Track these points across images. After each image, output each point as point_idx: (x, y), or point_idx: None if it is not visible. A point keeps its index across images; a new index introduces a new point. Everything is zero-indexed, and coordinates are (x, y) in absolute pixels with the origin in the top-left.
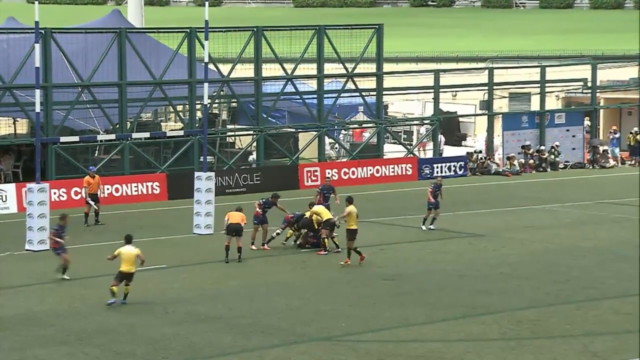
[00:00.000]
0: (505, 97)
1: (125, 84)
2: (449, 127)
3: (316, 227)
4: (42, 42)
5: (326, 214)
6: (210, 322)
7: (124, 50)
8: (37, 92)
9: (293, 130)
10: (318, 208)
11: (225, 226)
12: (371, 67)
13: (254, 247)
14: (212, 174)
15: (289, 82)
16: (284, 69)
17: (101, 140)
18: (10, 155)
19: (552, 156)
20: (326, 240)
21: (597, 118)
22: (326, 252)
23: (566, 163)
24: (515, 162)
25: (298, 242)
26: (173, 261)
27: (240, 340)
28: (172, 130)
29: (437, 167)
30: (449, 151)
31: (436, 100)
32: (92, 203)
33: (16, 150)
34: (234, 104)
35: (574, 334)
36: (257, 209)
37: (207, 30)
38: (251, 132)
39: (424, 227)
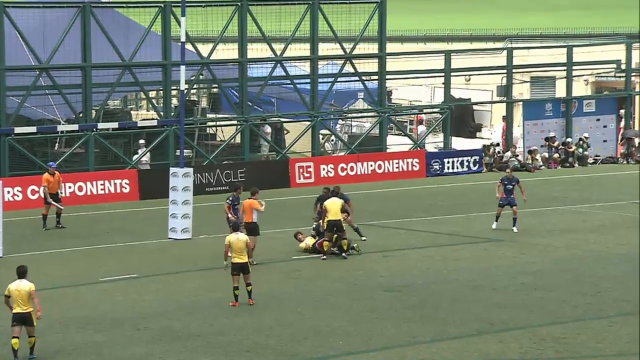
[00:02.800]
0: (527, 82)
1: (90, 66)
2: (461, 116)
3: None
4: None
5: (332, 212)
6: (188, 339)
7: (88, 28)
8: None
9: (283, 120)
10: (326, 203)
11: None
12: (372, 48)
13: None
14: (190, 170)
15: (278, 65)
16: (272, 49)
17: (62, 132)
18: None
19: (580, 149)
20: (326, 243)
21: (631, 105)
22: (324, 258)
23: (596, 157)
24: (538, 157)
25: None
26: (145, 270)
27: None
28: (143, 119)
29: (448, 163)
30: (461, 144)
31: (447, 85)
32: (53, 203)
33: None
34: (215, 90)
35: (605, 354)
36: (228, 213)
37: (184, 4)
38: (235, 122)
39: (494, 226)
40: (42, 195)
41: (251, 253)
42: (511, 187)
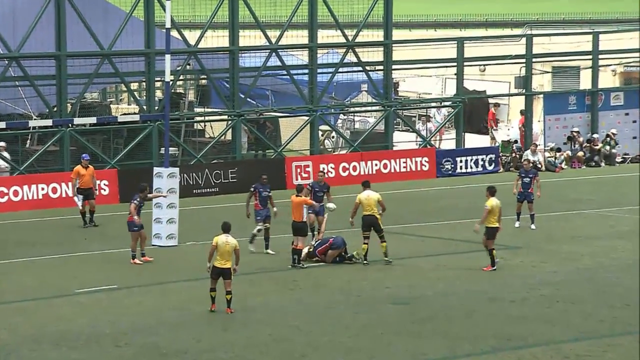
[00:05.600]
0: (548, 73)
1: (65, 55)
2: (475, 110)
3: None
4: None
5: (368, 205)
6: (173, 357)
7: (63, 13)
8: None
9: (278, 114)
10: (361, 196)
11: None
12: (377, 35)
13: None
14: (176, 170)
15: (273, 54)
16: (266, 37)
17: (34, 127)
18: None
19: (607, 147)
20: (364, 246)
21: None
22: (366, 263)
23: (625, 156)
24: (561, 155)
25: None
26: (126, 280)
27: None
28: (124, 114)
29: (461, 162)
30: (476, 141)
31: (459, 76)
32: (75, 200)
33: None
34: (203, 82)
35: None
36: (135, 215)
37: None
38: (225, 117)
39: (516, 225)
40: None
41: (305, 256)
42: (529, 179)
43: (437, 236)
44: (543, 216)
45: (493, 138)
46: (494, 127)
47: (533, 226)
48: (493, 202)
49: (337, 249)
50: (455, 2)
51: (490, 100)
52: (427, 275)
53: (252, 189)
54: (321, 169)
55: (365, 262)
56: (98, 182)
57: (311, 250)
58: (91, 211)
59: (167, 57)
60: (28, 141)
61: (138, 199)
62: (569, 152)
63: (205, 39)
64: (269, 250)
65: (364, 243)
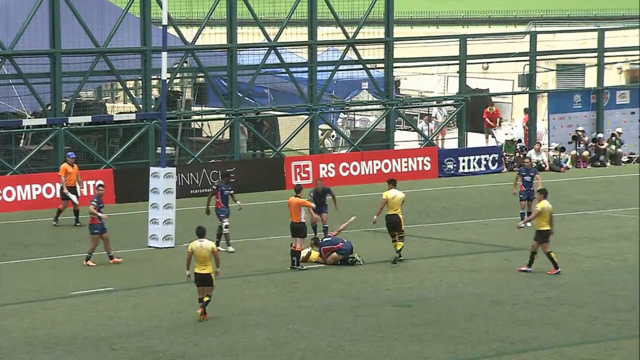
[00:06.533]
0: (552, 70)
1: (60, 52)
2: (478, 109)
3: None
4: None
5: (394, 204)
6: None
7: (58, 10)
8: None
9: (277, 113)
10: (388, 193)
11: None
12: (378, 32)
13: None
14: (173, 169)
15: (272, 51)
16: (265, 34)
17: (28, 126)
18: None
19: (613, 146)
20: (400, 244)
21: None
22: (401, 257)
23: (631, 156)
24: (566, 154)
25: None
26: (122, 282)
27: None
28: (120, 113)
29: (464, 161)
30: (478, 141)
31: (462, 74)
32: (70, 196)
33: None
34: (200, 80)
35: None
36: (97, 213)
37: None
38: (223, 116)
39: (521, 224)
40: (59, 188)
41: (306, 258)
42: (530, 178)
43: (438, 237)
44: None
45: (493, 137)
46: (494, 127)
47: (529, 224)
48: (544, 204)
49: (342, 255)
50: None
51: (494, 100)
52: (428, 278)
53: (214, 187)
54: (319, 177)
55: (399, 258)
56: (92, 182)
57: (321, 241)
58: (75, 211)
59: (164, 54)
60: (22, 140)
61: (96, 200)
62: (575, 152)
63: (202, 36)
64: (229, 248)
65: (393, 241)
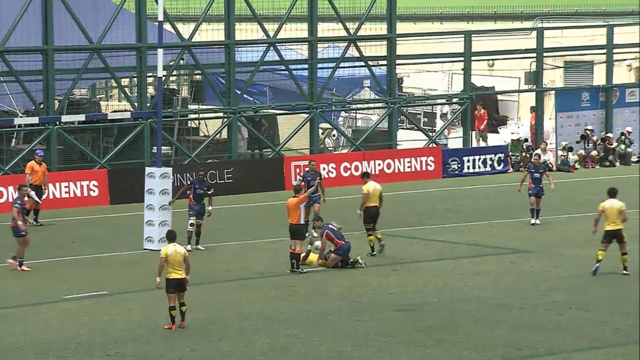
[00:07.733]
0: (560, 68)
1: (53, 49)
2: (484, 107)
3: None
4: None
5: (374, 197)
6: None
7: (50, 5)
8: None
9: (277, 112)
10: (368, 186)
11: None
12: (380, 28)
13: None
14: (169, 170)
15: (271, 48)
16: (264, 30)
17: (20, 125)
18: None
19: (622, 146)
20: (370, 237)
21: None
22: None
23: None
24: (573, 154)
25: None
26: (117, 286)
27: None
28: (115, 111)
29: (468, 161)
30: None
31: (467, 71)
32: (32, 195)
33: None
34: (197, 77)
35: None
36: (18, 220)
37: None
38: (221, 115)
39: (532, 221)
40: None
41: (305, 257)
42: (539, 175)
43: (442, 239)
44: (555, 218)
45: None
46: (484, 130)
47: (535, 221)
48: (607, 204)
49: (339, 255)
50: None
51: (499, 98)
52: (432, 281)
53: (188, 183)
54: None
55: (372, 253)
56: (84, 183)
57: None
58: (36, 210)
59: (160, 51)
60: (13, 140)
61: (19, 202)
62: (582, 152)
63: (199, 33)
64: (199, 246)
65: (369, 235)
